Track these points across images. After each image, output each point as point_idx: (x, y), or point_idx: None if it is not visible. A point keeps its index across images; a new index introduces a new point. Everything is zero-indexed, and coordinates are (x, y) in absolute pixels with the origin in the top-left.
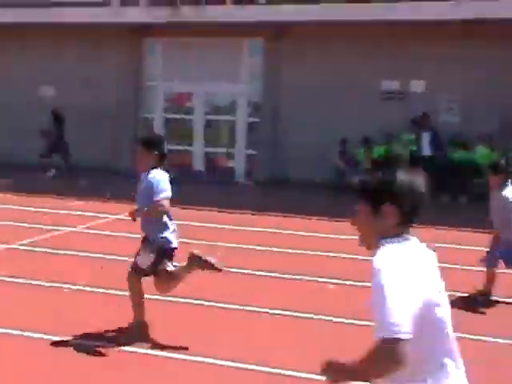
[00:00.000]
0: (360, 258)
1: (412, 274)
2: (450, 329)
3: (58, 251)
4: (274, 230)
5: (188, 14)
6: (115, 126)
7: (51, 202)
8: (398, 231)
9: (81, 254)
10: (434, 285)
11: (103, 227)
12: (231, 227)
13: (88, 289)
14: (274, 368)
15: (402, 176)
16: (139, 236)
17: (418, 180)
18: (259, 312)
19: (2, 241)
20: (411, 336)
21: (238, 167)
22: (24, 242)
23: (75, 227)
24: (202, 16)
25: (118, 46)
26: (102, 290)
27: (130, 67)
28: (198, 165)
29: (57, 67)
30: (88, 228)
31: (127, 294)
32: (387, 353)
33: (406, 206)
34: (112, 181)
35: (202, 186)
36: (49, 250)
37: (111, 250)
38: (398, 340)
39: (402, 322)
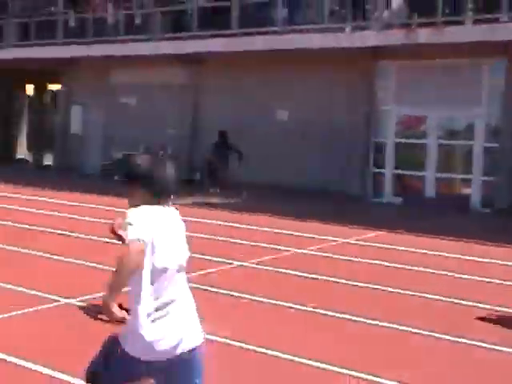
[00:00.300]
0: None
1: (149, 220)
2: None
3: (288, 271)
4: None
5: (423, 35)
6: (347, 150)
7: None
8: (154, 202)
9: (311, 275)
10: (169, 232)
11: (333, 250)
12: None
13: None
14: None
15: (148, 169)
16: (378, 261)
17: (163, 170)
18: None
19: (236, 258)
20: (147, 243)
21: (474, 194)
22: (253, 260)
23: (304, 248)
24: (438, 38)
25: (350, 70)
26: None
27: (362, 90)
28: (430, 191)
29: (293, 91)
30: (318, 250)
31: None
32: (131, 250)
33: (153, 189)
34: (344, 204)
35: (433, 213)
36: (281, 270)
37: (349, 274)
38: (140, 240)
39: (141, 232)
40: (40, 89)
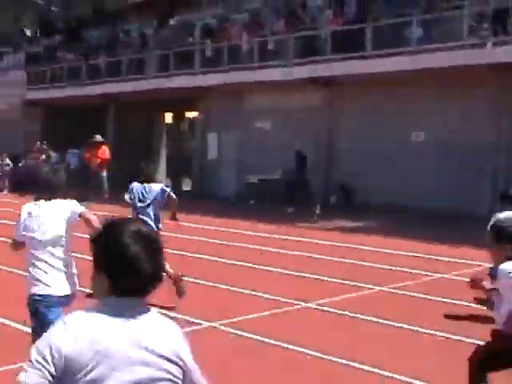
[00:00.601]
0: None
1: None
2: None
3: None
4: None
5: None
6: (486, 170)
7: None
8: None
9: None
10: None
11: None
12: None
13: None
14: None
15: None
16: None
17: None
18: None
19: (374, 282)
20: None
21: None
22: (393, 285)
23: (446, 274)
24: None
25: (490, 86)
26: None
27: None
28: None
29: (430, 111)
30: (459, 275)
31: None
32: None
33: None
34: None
35: None
36: (424, 296)
37: None
38: None
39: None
40: (178, 117)
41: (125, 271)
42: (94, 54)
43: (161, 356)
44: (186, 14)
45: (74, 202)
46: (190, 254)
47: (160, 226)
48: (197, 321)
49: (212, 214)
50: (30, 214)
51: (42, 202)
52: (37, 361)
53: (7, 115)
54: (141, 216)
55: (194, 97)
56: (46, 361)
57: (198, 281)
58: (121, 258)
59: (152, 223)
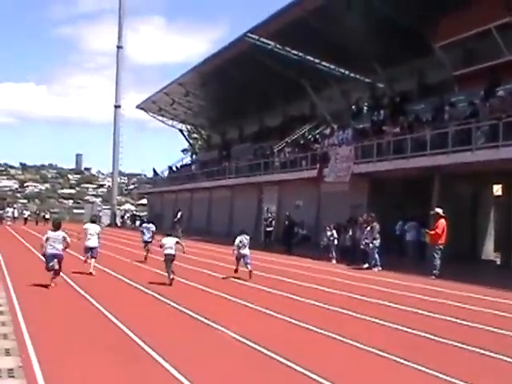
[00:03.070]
0: None
1: None
2: None
3: None
4: None
5: None
6: None
7: None
8: None
9: None
10: None
11: None
12: None
13: None
14: None
15: None
16: None
17: None
18: None
19: None
20: None
21: None
22: None
23: None
24: None
25: None
26: None
27: None
28: None
29: None
30: None
31: None
32: None
33: None
34: None
35: None
36: None
37: None
38: None
39: None
40: (508, 188)
41: None
42: (418, 127)
43: None
44: None
45: None
46: None
47: None
48: None
49: None
50: None
51: None
52: None
53: (335, 188)
54: None
55: None
56: None
57: None
58: None
59: None
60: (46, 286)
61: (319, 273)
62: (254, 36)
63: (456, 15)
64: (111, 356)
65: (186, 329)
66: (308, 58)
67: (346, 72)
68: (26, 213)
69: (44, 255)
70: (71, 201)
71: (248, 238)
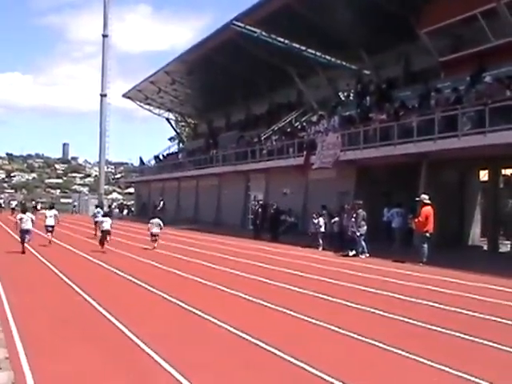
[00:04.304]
0: None
1: None
2: None
3: None
4: None
5: None
6: None
7: None
8: None
9: None
10: None
11: None
12: None
13: None
14: None
15: None
16: None
17: None
18: None
19: None
20: None
21: None
22: None
23: None
24: None
25: None
26: None
27: None
28: None
29: None
30: None
31: None
32: None
33: None
34: None
35: None
36: None
37: None
38: None
39: None
40: (495, 174)
41: None
42: (405, 114)
43: None
44: (500, 68)
45: None
46: None
47: None
48: None
49: None
50: None
51: None
52: None
53: (322, 175)
54: None
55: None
56: None
57: None
58: None
59: None
60: (22, 253)
61: (305, 260)
62: (239, 24)
63: (442, 1)
64: (100, 345)
65: (176, 319)
66: (294, 45)
67: (333, 59)
68: (13, 203)
69: (20, 231)
70: (58, 190)
71: (160, 221)
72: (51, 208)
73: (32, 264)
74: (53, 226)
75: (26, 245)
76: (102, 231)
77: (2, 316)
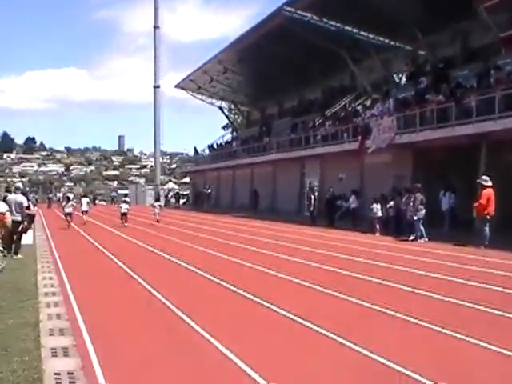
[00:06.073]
0: None
1: None
2: None
3: None
4: None
5: None
6: None
7: None
8: None
9: None
10: None
11: None
12: None
13: None
14: None
15: None
16: None
17: None
18: None
19: None
20: None
21: None
22: None
23: None
24: None
25: None
26: None
27: None
28: None
29: None
30: None
31: None
32: None
33: None
34: None
35: None
36: None
37: None
38: None
39: None
40: None
41: None
42: (462, 94)
43: None
44: None
45: None
46: None
47: None
48: None
49: None
50: None
51: None
52: None
53: (378, 159)
54: None
55: None
56: None
57: None
58: None
59: None
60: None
61: (366, 246)
62: (290, 9)
63: None
64: (166, 336)
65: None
66: (346, 28)
67: (386, 41)
68: (71, 196)
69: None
70: (115, 182)
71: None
72: (84, 197)
73: (82, 243)
74: (87, 211)
75: (71, 224)
76: (121, 213)
77: (68, 308)
